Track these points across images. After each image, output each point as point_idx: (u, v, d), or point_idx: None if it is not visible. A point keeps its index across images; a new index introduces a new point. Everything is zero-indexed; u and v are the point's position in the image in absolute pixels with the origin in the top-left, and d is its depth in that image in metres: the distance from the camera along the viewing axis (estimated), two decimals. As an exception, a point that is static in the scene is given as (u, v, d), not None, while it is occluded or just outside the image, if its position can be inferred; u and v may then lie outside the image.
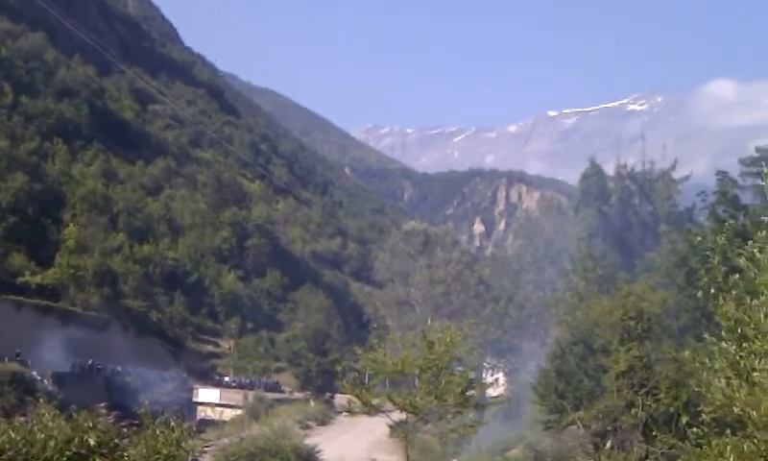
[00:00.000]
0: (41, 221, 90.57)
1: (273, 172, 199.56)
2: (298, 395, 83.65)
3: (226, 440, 35.81)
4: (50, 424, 10.93)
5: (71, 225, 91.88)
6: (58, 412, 11.43)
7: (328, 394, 79.51)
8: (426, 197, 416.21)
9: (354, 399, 26.15)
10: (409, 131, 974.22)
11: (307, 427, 53.67)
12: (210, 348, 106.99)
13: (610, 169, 69.37)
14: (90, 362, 73.85)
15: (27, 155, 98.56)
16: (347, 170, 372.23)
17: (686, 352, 16.42)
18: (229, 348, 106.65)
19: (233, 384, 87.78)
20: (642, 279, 34.81)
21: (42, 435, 10.62)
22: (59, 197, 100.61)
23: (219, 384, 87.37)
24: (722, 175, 35.18)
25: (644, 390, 24.02)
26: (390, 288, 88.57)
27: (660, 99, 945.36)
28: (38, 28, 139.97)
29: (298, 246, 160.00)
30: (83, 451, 10.64)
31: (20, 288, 77.22)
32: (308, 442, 34.91)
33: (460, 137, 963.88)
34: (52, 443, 10.48)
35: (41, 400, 11.43)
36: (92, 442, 10.73)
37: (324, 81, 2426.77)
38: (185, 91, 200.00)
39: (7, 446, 10.34)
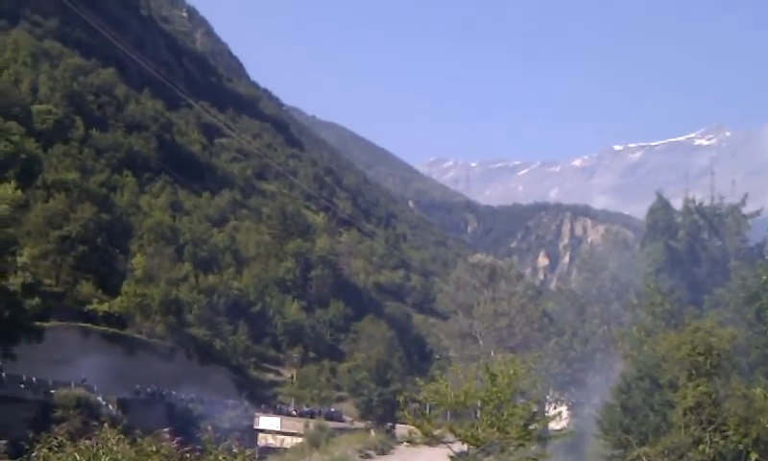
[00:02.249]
0: (109, 251, 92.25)
1: (337, 204, 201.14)
2: (358, 424, 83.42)
3: (287, 468, 35.74)
4: (114, 447, 11.01)
5: (138, 255, 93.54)
6: (122, 436, 11.51)
7: (389, 424, 79.15)
8: (490, 230, 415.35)
9: (415, 429, 25.96)
10: (473, 164, 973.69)
11: (367, 457, 53.31)
12: (272, 376, 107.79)
13: (677, 204, 68.04)
14: (154, 388, 74.79)
15: (97, 186, 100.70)
16: (410, 203, 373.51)
17: (757, 389, 16.03)
18: (291, 377, 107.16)
19: (294, 413, 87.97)
20: (711, 314, 34.13)
21: (107, 458, 10.70)
22: (126, 228, 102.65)
23: (280, 412, 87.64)
24: (792, 209, 34.52)
25: (712, 426, 23.46)
26: (453, 320, 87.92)
27: (728, 133, 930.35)
28: (109, 64, 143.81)
29: (361, 277, 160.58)
30: (146, 475, 10.71)
31: (88, 316, 78.68)
32: (368, 471, 34.71)
33: (524, 171, 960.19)
34: (116, 466, 10.57)
35: (106, 424, 11.51)
36: (156, 466, 10.80)
37: (389, 114, 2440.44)
38: (251, 125, 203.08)
39: (72, 469, 10.44)
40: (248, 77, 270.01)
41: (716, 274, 58.47)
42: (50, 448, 10.76)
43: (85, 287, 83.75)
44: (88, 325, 76.49)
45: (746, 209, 64.62)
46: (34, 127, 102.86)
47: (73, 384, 62.09)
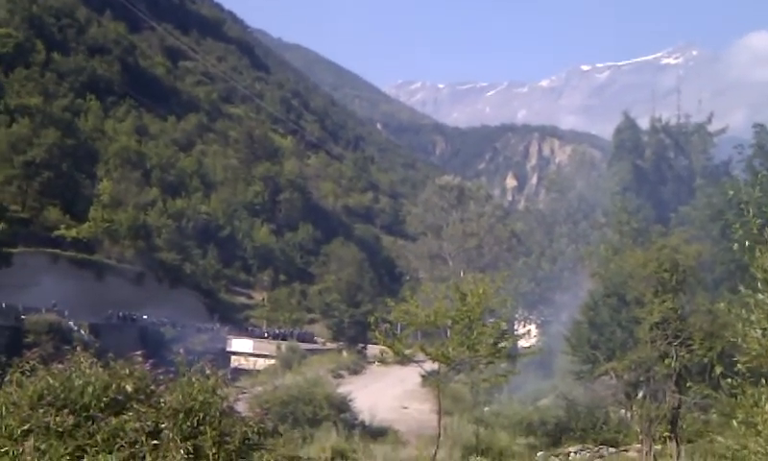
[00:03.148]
0: (75, 176, 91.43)
1: (304, 127, 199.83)
2: (330, 345, 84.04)
3: (259, 388, 36.03)
4: (87, 371, 10.99)
5: (105, 180, 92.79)
6: (95, 360, 11.50)
7: (361, 345, 79.69)
8: (458, 152, 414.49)
9: (387, 349, 26.18)
10: (441, 86, 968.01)
11: (340, 377, 53.91)
12: (243, 299, 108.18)
13: (644, 123, 68.43)
14: (125, 313, 74.80)
15: (60, 111, 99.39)
16: (378, 125, 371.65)
17: (721, 304, 16.26)
18: (263, 299, 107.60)
19: (267, 335, 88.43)
20: (677, 232, 34.54)
21: (80, 382, 10.68)
22: (92, 153, 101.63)
23: (252, 335, 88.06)
24: (759, 127, 34.74)
25: (678, 341, 23.84)
26: (422, 242, 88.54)
27: (695, 52, 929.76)
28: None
29: (329, 200, 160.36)
30: (120, 397, 10.70)
31: (56, 241, 78.28)
32: (341, 390, 35.06)
33: (492, 92, 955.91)
34: (90, 389, 10.52)
35: (78, 348, 11.48)
36: (129, 388, 10.79)
37: (355, 36, 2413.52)
38: (216, 48, 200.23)
39: (45, 392, 10.42)
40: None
41: (682, 192, 59.14)
42: (23, 373, 10.75)
43: (52, 213, 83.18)
44: (57, 250, 76.18)
45: (711, 128, 65.16)
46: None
47: (44, 310, 61.94)
